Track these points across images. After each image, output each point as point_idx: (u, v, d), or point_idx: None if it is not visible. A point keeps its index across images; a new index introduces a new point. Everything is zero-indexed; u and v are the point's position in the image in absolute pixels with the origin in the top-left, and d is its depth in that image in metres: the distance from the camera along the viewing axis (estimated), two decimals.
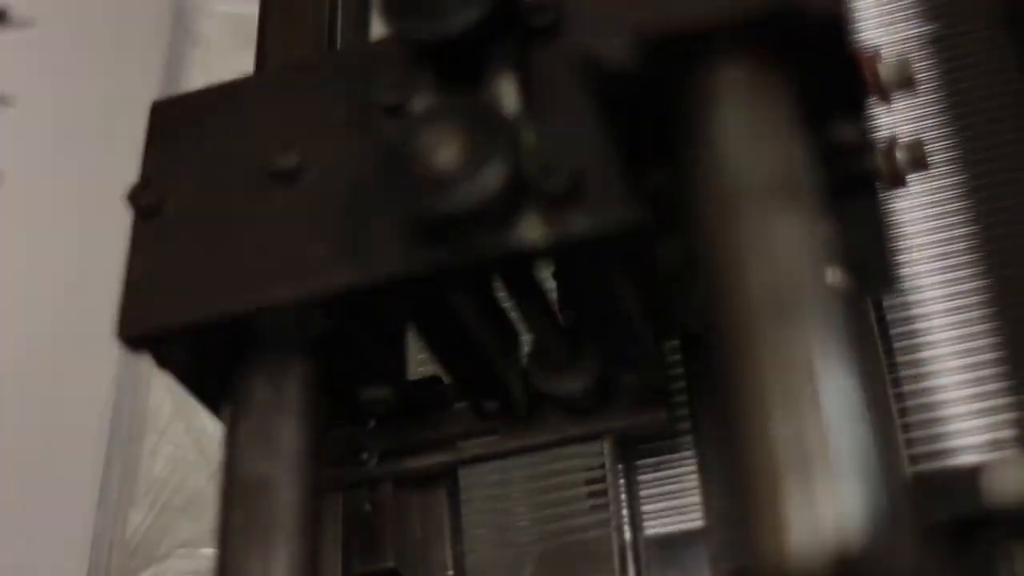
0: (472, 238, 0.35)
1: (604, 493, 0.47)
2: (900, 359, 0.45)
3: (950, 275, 0.47)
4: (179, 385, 0.41)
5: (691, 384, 0.48)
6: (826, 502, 0.25)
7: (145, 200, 0.39)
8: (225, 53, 0.80)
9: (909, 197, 0.47)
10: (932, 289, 0.46)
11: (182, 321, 0.38)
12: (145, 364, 0.67)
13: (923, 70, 0.50)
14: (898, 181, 0.40)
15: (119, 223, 0.41)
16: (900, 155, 0.40)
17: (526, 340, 0.44)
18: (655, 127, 0.32)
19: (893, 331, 0.46)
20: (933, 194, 0.48)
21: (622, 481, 0.47)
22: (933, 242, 0.47)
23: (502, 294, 0.41)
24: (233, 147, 0.40)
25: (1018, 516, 0.41)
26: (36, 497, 0.70)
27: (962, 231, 0.47)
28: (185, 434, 0.70)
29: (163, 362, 0.39)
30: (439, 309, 0.38)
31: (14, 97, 0.83)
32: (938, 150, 0.49)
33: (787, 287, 0.28)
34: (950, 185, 0.48)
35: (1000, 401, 0.44)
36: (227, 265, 0.38)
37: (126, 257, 0.39)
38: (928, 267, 0.47)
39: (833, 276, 0.36)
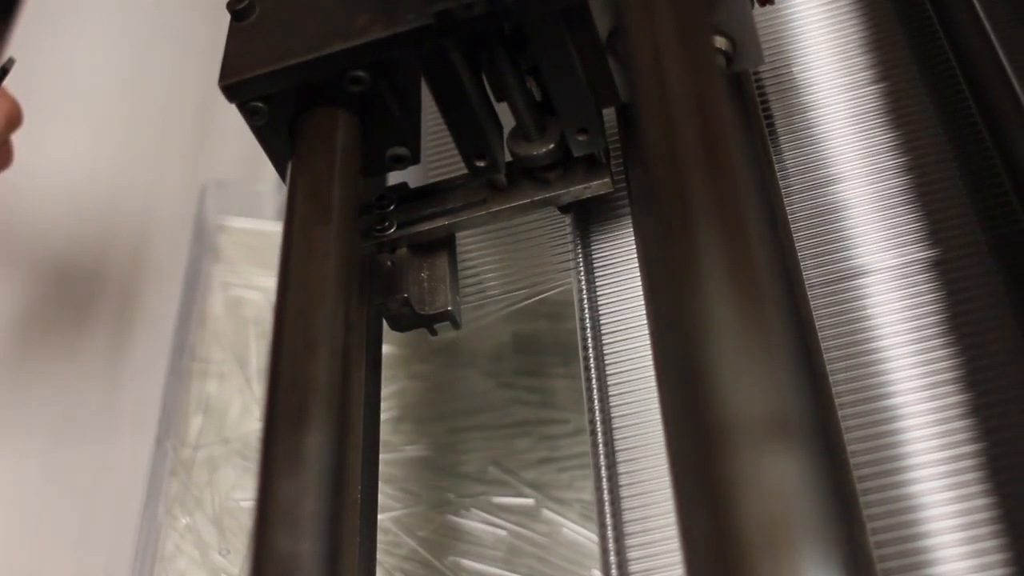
0: None
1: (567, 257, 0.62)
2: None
3: (957, 491, 0.48)
4: (257, 140, 0.55)
5: (626, 153, 0.61)
6: None
7: (238, 7, 0.55)
8: (243, 268, 0.86)
9: (914, 416, 0.50)
10: (939, 506, 0.48)
11: (263, 70, 0.53)
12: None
13: (923, 292, 0.53)
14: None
15: None
16: None
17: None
18: None
19: (899, 547, 0.47)
20: (937, 412, 0.50)
21: (580, 247, 0.61)
22: (940, 459, 0.49)
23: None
24: None
25: None
26: None
27: (967, 448, 0.49)
28: None
29: (248, 114, 0.55)
30: (444, 63, 0.53)
31: None
32: (941, 369, 0.51)
33: (780, 521, 0.29)
34: (952, 404, 0.50)
35: None
36: (296, 38, 0.53)
37: (225, 45, 0.55)
38: (936, 484, 0.48)
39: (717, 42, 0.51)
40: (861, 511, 0.48)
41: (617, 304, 0.59)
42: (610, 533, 0.53)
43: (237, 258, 0.86)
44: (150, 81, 1.04)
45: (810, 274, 0.56)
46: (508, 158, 0.58)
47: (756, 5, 0.55)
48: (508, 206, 0.59)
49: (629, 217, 0.61)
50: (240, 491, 0.76)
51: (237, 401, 0.80)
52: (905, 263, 0.55)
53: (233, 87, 0.53)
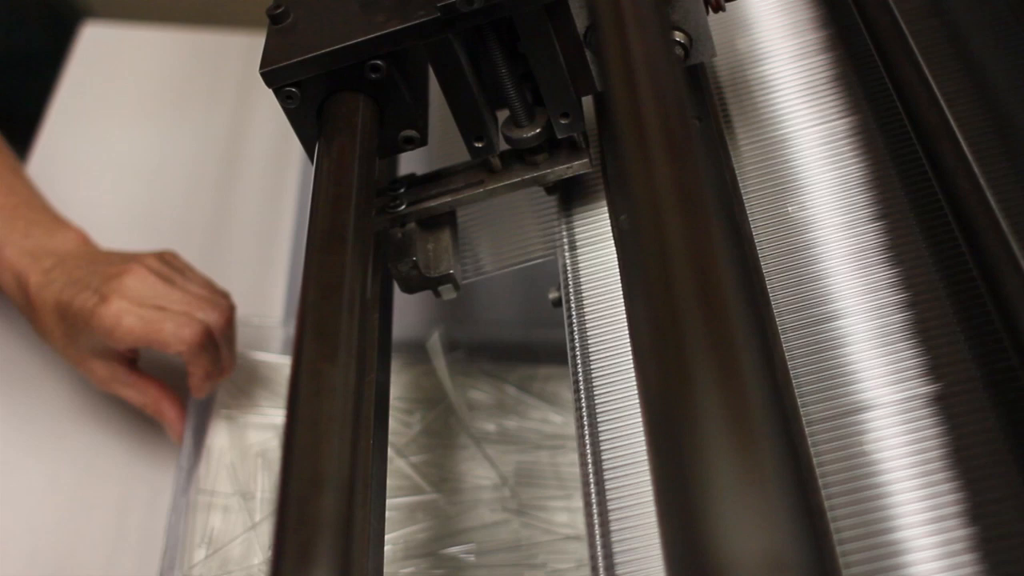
0: None
1: (552, 231, 0.71)
2: None
3: None
4: (290, 123, 0.65)
5: (601, 137, 0.71)
6: None
7: (276, 12, 0.64)
8: (250, 400, 0.88)
9: (918, 550, 0.50)
10: None
11: (297, 57, 0.63)
12: None
13: (924, 427, 0.54)
14: (718, 7, 0.63)
15: None
16: None
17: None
18: None
19: None
20: (941, 547, 0.50)
21: (564, 224, 0.71)
22: (942, 568, 0.49)
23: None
24: None
25: None
26: None
27: (968, 556, 0.49)
28: None
29: (283, 98, 0.64)
30: (448, 54, 0.62)
31: None
32: (943, 504, 0.51)
33: None
34: (956, 538, 0.50)
35: None
36: (324, 34, 0.62)
37: (264, 47, 0.63)
38: None
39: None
40: None
41: (596, 276, 0.67)
42: None
43: (245, 390, 0.87)
44: (161, 215, 1.05)
45: (810, 409, 0.56)
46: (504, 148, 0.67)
47: (710, 11, 0.63)
48: (502, 184, 0.68)
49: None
50: None
51: (241, 534, 0.80)
52: (906, 398, 0.55)
53: (271, 73, 0.63)
